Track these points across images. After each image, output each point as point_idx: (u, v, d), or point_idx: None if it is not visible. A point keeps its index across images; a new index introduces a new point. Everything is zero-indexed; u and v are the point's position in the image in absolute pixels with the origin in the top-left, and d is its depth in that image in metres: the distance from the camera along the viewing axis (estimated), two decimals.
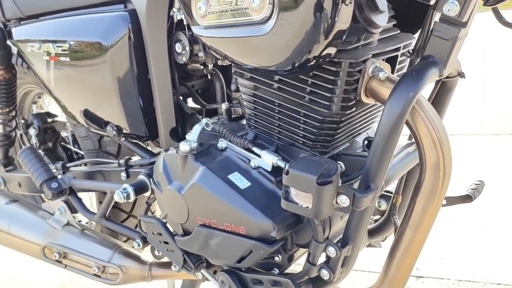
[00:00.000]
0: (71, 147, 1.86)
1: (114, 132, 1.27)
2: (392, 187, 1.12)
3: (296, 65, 0.81)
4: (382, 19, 0.88)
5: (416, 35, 1.00)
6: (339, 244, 0.91)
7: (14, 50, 1.52)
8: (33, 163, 1.40)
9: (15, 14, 1.45)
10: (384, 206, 1.20)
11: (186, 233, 1.06)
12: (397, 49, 0.93)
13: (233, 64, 0.99)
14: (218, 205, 0.96)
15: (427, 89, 0.85)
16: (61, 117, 1.89)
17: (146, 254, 1.37)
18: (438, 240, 2.13)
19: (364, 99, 0.89)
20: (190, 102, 1.36)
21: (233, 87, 1.12)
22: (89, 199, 1.91)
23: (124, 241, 1.63)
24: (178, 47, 1.11)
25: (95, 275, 1.33)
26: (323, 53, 0.78)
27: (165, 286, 1.57)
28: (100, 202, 1.67)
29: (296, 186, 0.82)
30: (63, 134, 1.89)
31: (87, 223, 1.69)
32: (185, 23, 1.07)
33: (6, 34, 1.49)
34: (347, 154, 1.00)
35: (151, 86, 1.16)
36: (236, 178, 0.97)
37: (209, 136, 1.09)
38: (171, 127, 1.21)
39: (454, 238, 2.16)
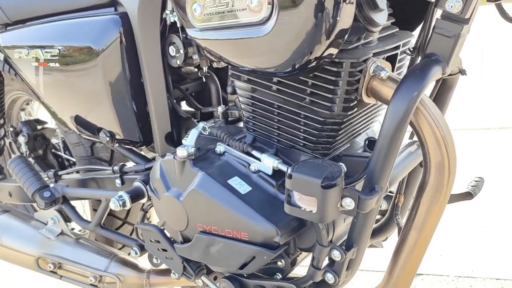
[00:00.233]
0: (62, 154, 1.82)
1: (107, 138, 1.24)
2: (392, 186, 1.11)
3: (297, 66, 0.79)
4: (382, 17, 0.86)
5: (414, 33, 0.99)
6: (344, 247, 0.89)
7: (1, 56, 1.48)
8: (24, 172, 1.37)
9: (0, 19, 1.42)
10: (385, 206, 1.19)
11: (185, 240, 1.04)
12: (397, 48, 0.92)
13: (230, 66, 0.97)
14: (219, 211, 0.93)
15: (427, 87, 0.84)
16: (51, 123, 1.85)
17: (143, 262, 1.35)
18: (435, 237, 2.12)
19: (365, 99, 0.87)
20: (184, 106, 1.34)
21: (229, 89, 1.10)
22: (82, 207, 1.87)
23: (119, 249, 1.60)
24: (171, 50, 1.09)
25: (92, 285, 1.31)
26: (325, 54, 0.76)
27: None
28: (94, 210, 1.64)
29: (300, 190, 0.80)
30: (54, 141, 1.86)
31: (79, 231, 1.66)
32: (178, 25, 1.04)
33: None
34: (348, 155, 0.98)
35: (144, 90, 1.14)
36: (236, 183, 0.95)
37: (206, 141, 1.07)
38: (166, 132, 1.19)
39: (451, 234, 2.16)
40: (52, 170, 1.46)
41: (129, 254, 1.42)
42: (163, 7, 1.05)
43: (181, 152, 0.98)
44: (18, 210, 1.58)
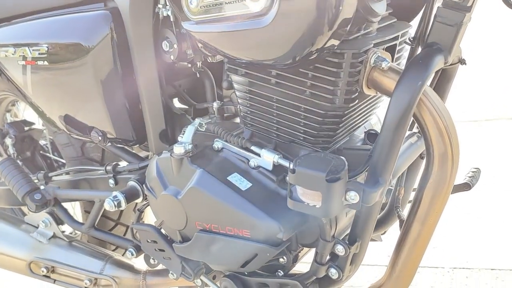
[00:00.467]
0: (50, 155, 1.78)
1: (100, 138, 1.21)
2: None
3: (298, 58, 0.77)
4: (381, 7, 0.85)
5: (412, 23, 0.98)
6: (347, 242, 0.88)
7: None
8: (13, 175, 1.33)
9: None
10: (383, 199, 1.18)
11: (184, 239, 1.02)
12: (396, 38, 0.91)
13: (226, 60, 0.95)
14: (219, 209, 0.91)
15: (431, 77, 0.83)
16: (38, 124, 1.81)
17: (139, 263, 1.32)
18: None
19: (366, 91, 0.86)
20: (176, 103, 1.31)
21: (225, 84, 1.08)
22: (72, 209, 1.83)
23: (113, 250, 1.57)
24: (165, 46, 1.06)
25: None
26: (327, 45, 0.74)
27: None
28: (86, 212, 1.61)
29: (303, 185, 0.79)
30: (42, 142, 1.81)
31: (70, 233, 1.62)
32: (172, 19, 1.02)
33: None
34: (349, 149, 0.97)
35: (137, 87, 1.11)
36: (236, 179, 0.93)
37: (203, 137, 1.04)
38: (161, 130, 1.16)
39: (444, 226, 2.17)
40: (42, 171, 1.42)
41: (123, 255, 1.39)
42: (156, 1, 1.02)
43: (178, 149, 0.95)
44: (7, 213, 1.53)
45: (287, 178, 0.90)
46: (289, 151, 0.97)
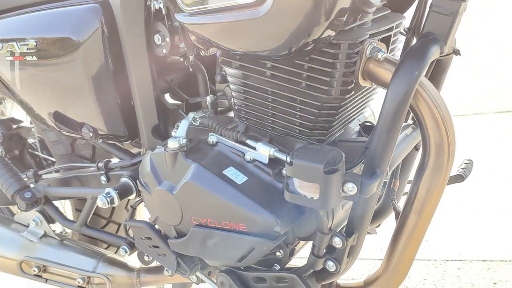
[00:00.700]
0: (39, 153, 1.75)
1: (91, 134, 1.19)
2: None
3: (294, 49, 0.77)
4: None
5: (406, 14, 0.97)
6: (344, 234, 0.88)
7: None
8: (2, 173, 1.31)
9: None
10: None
11: (180, 235, 1.01)
12: (390, 29, 0.90)
13: (220, 53, 0.94)
14: (215, 203, 0.90)
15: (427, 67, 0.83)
16: (26, 122, 1.78)
17: (132, 260, 1.30)
18: None
19: (361, 82, 0.86)
20: (168, 98, 1.30)
21: (218, 78, 1.07)
22: (63, 208, 1.80)
23: (105, 248, 1.56)
24: (157, 39, 1.04)
25: (80, 287, 1.26)
26: (324, 35, 0.74)
27: None
28: (77, 210, 1.59)
29: (301, 177, 0.78)
30: (30, 140, 1.78)
31: (61, 232, 1.60)
32: (164, 12, 1.00)
33: None
34: (344, 141, 0.97)
35: (128, 82, 1.09)
36: (232, 173, 0.92)
37: (197, 131, 1.03)
38: (153, 125, 1.15)
39: (436, 220, 2.18)
40: (31, 170, 1.40)
41: (115, 252, 1.38)
42: None
43: (172, 143, 0.94)
44: None
45: (284, 171, 0.90)
46: (285, 144, 0.96)
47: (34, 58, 1.15)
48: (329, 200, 0.78)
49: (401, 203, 1.04)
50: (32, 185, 1.33)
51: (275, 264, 0.99)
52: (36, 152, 1.76)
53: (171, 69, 1.24)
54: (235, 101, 0.99)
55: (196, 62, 1.15)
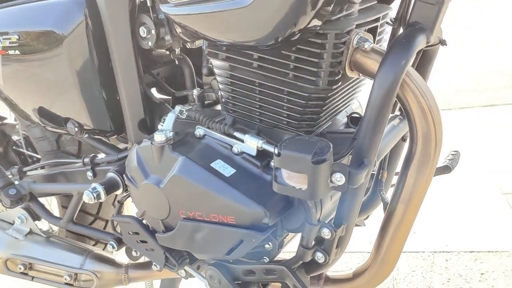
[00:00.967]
0: (24, 150, 1.72)
1: (76, 129, 1.17)
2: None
3: (280, 39, 0.76)
4: None
5: (392, 5, 0.97)
6: (333, 225, 0.88)
7: None
8: None
9: None
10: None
11: (167, 229, 1.00)
12: (377, 20, 0.90)
13: (206, 45, 0.93)
14: (203, 196, 0.90)
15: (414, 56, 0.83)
16: (10, 119, 1.75)
17: (120, 256, 1.29)
18: None
19: (349, 73, 0.85)
20: (154, 92, 1.28)
21: (205, 71, 1.06)
22: (49, 205, 1.78)
23: (93, 245, 1.54)
24: (142, 31, 1.03)
25: (67, 284, 1.24)
26: (310, 25, 0.73)
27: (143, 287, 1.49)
28: (63, 207, 1.57)
29: (289, 168, 0.78)
30: (15, 137, 1.75)
31: (48, 230, 1.58)
32: (149, 4, 0.99)
33: None
34: (332, 132, 0.97)
35: (114, 76, 1.08)
36: (220, 166, 0.91)
37: (184, 124, 1.02)
38: (139, 119, 1.13)
39: (423, 211, 2.20)
40: (16, 166, 1.38)
41: (103, 249, 1.36)
42: None
43: (159, 137, 0.93)
44: None
45: (272, 163, 0.89)
46: (273, 136, 0.95)
47: (17, 52, 1.13)
48: (317, 190, 0.77)
49: (389, 195, 1.05)
50: (16, 182, 1.31)
51: (264, 257, 0.98)
52: (21, 149, 1.73)
53: (157, 63, 1.22)
54: (222, 93, 0.98)
55: (182, 55, 1.15)
